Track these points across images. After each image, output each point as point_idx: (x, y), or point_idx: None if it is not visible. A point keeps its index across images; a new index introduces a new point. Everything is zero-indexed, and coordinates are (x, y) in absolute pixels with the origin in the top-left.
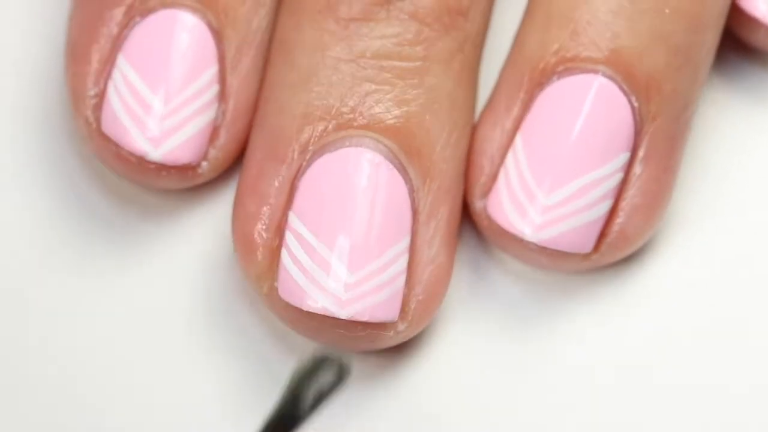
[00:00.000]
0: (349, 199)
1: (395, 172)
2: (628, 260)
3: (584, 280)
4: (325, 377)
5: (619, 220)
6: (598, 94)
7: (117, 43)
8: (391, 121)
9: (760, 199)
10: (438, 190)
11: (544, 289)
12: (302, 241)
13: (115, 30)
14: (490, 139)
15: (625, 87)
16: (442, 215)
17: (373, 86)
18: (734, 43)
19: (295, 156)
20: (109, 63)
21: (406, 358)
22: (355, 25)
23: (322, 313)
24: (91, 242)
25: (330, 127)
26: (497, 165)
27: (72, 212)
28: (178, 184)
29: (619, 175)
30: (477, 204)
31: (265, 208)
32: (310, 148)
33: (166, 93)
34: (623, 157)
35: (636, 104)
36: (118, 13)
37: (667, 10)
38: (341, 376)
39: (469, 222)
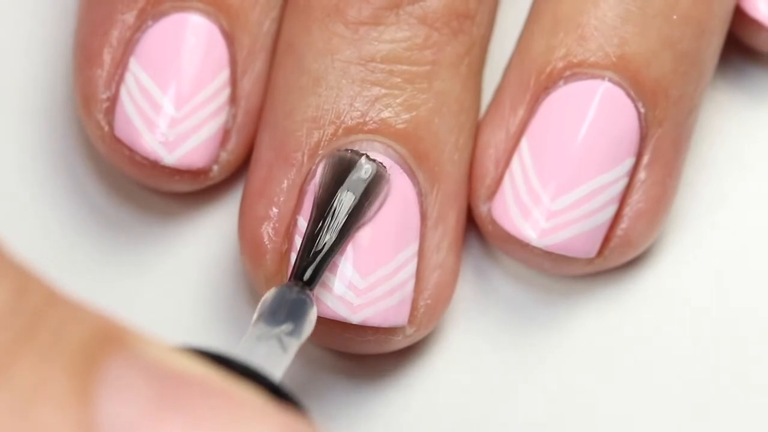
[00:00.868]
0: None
1: (405, 176)
2: (631, 263)
3: (587, 283)
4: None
5: (623, 225)
6: (604, 99)
7: (129, 47)
8: (401, 126)
9: (761, 200)
10: (446, 194)
11: (546, 292)
12: None
13: (127, 33)
14: (495, 142)
15: (632, 93)
16: (449, 219)
17: (383, 90)
18: (736, 44)
19: (305, 160)
20: (121, 66)
21: (410, 360)
22: (364, 29)
23: (333, 317)
24: (96, 243)
25: (339, 131)
26: (502, 169)
27: (77, 213)
28: (189, 187)
29: (624, 181)
30: (481, 208)
31: (273, 212)
32: (320, 152)
33: (179, 97)
34: (628, 162)
35: (642, 110)
36: (130, 17)
37: (675, 16)
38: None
39: (471, 224)
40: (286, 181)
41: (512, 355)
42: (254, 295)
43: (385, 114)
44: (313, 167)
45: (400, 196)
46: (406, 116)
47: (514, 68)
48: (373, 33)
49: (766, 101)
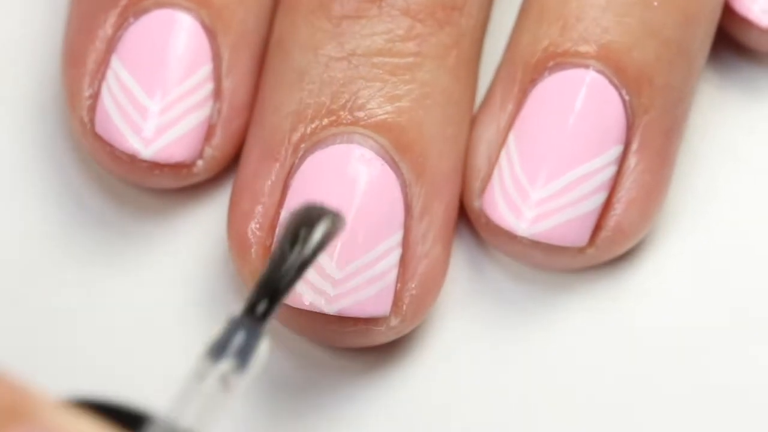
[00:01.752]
0: (338, 196)
1: (386, 167)
2: (624, 257)
3: (581, 278)
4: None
5: (615, 212)
6: (587, 88)
7: (111, 44)
8: (382, 117)
9: (755, 195)
10: (432, 185)
11: (541, 288)
12: None
13: (109, 31)
14: (486, 137)
15: (615, 81)
16: (436, 210)
17: (365, 83)
18: (728, 41)
19: (288, 154)
20: (103, 64)
21: (401, 355)
22: (347, 23)
23: (309, 308)
24: (86, 242)
25: (321, 125)
26: (493, 164)
27: (67, 212)
28: (174, 183)
29: (613, 168)
30: (474, 204)
31: (258, 207)
32: (302, 146)
33: (159, 92)
34: (615, 149)
35: (627, 97)
36: (113, 14)
37: (655, 3)
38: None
39: (466, 221)
40: (270, 176)
41: (507, 351)
42: (244, 293)
43: (367, 106)
44: (296, 161)
45: (380, 188)
46: (388, 107)
47: (505, 62)
48: (355, 26)
49: (759, 95)
